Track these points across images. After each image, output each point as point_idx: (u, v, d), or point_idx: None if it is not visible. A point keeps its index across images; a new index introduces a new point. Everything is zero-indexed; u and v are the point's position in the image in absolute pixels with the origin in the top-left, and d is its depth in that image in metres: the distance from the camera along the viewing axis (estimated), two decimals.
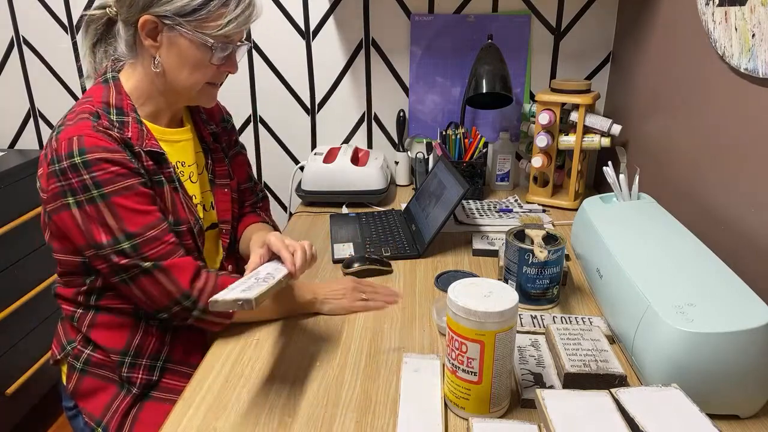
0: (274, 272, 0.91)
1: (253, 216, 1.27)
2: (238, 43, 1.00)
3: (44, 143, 1.97)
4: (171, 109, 1.04)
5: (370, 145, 1.89)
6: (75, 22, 1.83)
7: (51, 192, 0.89)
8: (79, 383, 1.01)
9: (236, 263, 1.20)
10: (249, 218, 1.26)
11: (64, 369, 1.05)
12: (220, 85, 1.05)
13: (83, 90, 1.91)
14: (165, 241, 0.92)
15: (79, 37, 1.05)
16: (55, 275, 1.02)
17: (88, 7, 1.81)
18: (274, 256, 0.97)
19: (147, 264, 0.90)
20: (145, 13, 0.91)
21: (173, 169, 1.01)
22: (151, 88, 0.99)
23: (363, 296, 1.07)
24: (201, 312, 0.95)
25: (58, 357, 1.04)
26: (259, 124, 1.90)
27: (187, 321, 0.96)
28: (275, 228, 1.28)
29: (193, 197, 1.06)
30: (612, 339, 0.97)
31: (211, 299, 0.80)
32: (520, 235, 1.10)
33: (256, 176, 1.33)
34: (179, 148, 1.06)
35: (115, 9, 0.97)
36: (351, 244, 1.36)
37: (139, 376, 1.01)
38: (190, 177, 1.07)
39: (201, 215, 1.07)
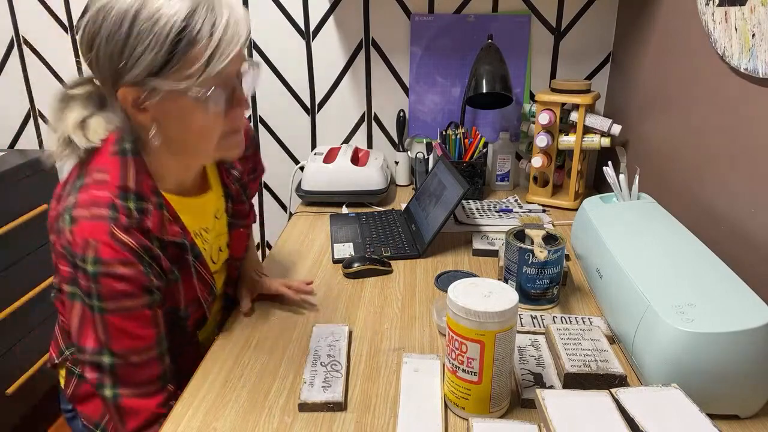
0: (337, 355, 0.93)
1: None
2: (239, 74, 0.83)
3: (44, 143, 1.97)
4: (192, 174, 0.94)
5: (370, 145, 1.89)
6: (75, 22, 1.83)
7: (61, 265, 0.83)
8: (78, 388, 1.01)
9: (233, 286, 1.16)
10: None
11: (63, 373, 1.05)
12: (243, 127, 0.89)
13: None
14: (146, 369, 0.85)
15: (57, 112, 0.91)
16: (53, 279, 1.00)
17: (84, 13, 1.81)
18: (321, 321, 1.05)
19: (109, 392, 0.84)
20: (120, 86, 0.78)
21: (192, 243, 0.93)
22: (168, 158, 0.87)
23: None
24: None
25: (56, 361, 1.04)
26: (259, 124, 1.90)
27: None
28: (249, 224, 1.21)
29: (213, 263, 1.01)
30: (612, 339, 0.97)
31: (300, 401, 0.82)
32: (520, 235, 1.10)
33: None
34: (199, 212, 0.97)
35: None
36: (351, 244, 1.36)
37: None
38: (212, 243, 1.00)
39: (213, 268, 1.01)
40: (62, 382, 1.05)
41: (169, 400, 0.88)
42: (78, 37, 0.79)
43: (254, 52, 1.81)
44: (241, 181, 1.07)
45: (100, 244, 0.78)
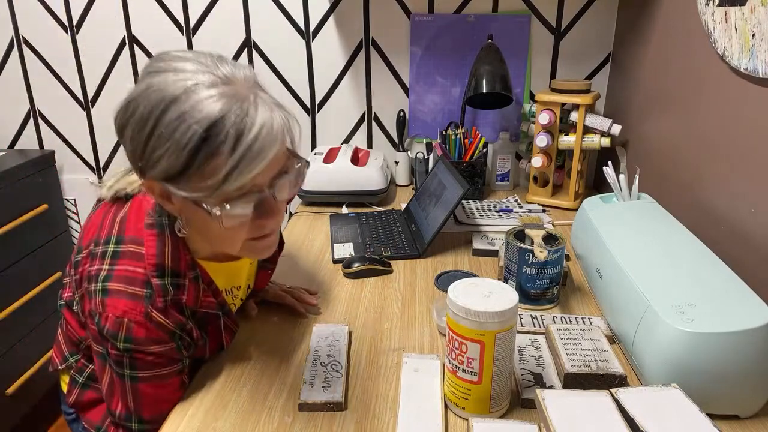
0: (337, 355, 0.93)
1: None
2: (274, 181, 0.74)
3: (44, 143, 1.97)
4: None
5: (370, 145, 1.89)
6: (75, 22, 1.83)
7: (90, 323, 0.81)
8: (81, 396, 1.00)
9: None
10: None
11: (65, 379, 1.04)
12: (276, 231, 0.82)
13: (83, 90, 1.91)
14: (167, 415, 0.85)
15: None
16: (60, 290, 0.97)
17: (88, 8, 1.81)
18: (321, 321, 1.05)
19: None
20: (145, 177, 0.74)
21: (223, 303, 0.92)
22: (200, 237, 0.84)
23: None
24: None
25: (60, 367, 1.03)
26: None
27: None
28: None
29: (235, 305, 1.00)
30: (612, 339, 0.97)
31: (300, 401, 0.82)
32: (520, 235, 1.10)
33: None
34: (235, 274, 0.96)
35: None
36: (351, 244, 1.36)
37: None
38: (241, 297, 1.01)
39: (238, 305, 1.02)
40: (64, 387, 1.04)
41: None
42: (113, 121, 0.74)
43: (254, 52, 1.81)
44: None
45: (134, 325, 0.77)
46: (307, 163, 0.79)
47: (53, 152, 1.97)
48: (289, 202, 0.82)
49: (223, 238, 0.77)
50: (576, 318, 1.04)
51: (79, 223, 2.08)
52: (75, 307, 0.86)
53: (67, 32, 1.85)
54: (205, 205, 0.71)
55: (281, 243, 1.12)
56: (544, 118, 1.55)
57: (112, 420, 0.85)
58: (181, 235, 0.81)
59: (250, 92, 0.70)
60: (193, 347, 0.87)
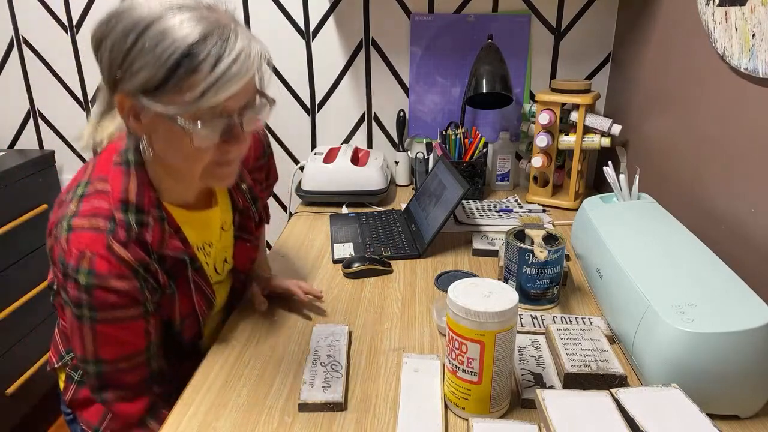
0: (337, 355, 0.93)
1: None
2: (243, 110, 0.77)
3: (44, 143, 1.97)
4: (194, 190, 0.92)
5: (370, 145, 1.89)
6: (75, 22, 1.83)
7: (56, 280, 0.84)
8: (77, 393, 1.00)
9: (239, 299, 1.15)
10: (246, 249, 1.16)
11: (62, 377, 1.04)
12: (239, 161, 0.85)
13: (83, 90, 1.91)
14: (134, 373, 0.86)
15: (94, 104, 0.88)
16: (54, 285, 0.98)
17: (88, 8, 1.81)
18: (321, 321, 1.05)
19: (100, 396, 0.86)
20: (117, 92, 0.76)
21: (192, 257, 0.91)
22: (166, 171, 0.85)
23: None
24: None
25: (56, 365, 1.03)
26: None
27: None
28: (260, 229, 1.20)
29: (212, 277, 0.99)
30: (612, 339, 0.97)
31: (300, 401, 0.82)
32: (520, 235, 1.10)
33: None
34: (204, 227, 0.95)
35: None
36: (351, 244, 1.36)
37: None
38: (215, 258, 0.99)
39: (217, 279, 1.00)
40: (61, 385, 1.04)
41: (154, 404, 0.89)
42: (90, 34, 0.78)
43: None
44: (252, 194, 1.05)
45: (96, 257, 0.78)
46: (274, 102, 0.82)
47: (53, 152, 1.97)
48: (243, 144, 0.82)
49: (186, 159, 0.79)
50: (576, 318, 1.04)
51: None
52: (51, 274, 0.87)
53: (67, 32, 1.85)
54: (179, 121, 0.73)
55: (262, 218, 1.11)
56: (544, 118, 1.55)
57: (76, 362, 0.86)
58: (144, 157, 0.83)
59: (231, 22, 0.75)
60: (159, 293, 0.86)
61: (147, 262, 0.82)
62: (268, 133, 1.89)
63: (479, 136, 1.66)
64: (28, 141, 2.00)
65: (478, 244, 1.34)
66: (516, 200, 1.64)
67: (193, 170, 0.81)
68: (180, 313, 0.92)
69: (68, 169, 2.01)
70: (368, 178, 1.62)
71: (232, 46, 0.72)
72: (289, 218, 1.70)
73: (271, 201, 1.98)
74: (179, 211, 0.90)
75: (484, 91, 1.56)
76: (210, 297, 0.97)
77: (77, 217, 0.79)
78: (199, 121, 0.74)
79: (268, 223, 1.19)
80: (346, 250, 1.33)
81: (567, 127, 1.61)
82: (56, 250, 0.80)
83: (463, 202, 1.63)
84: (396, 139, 1.87)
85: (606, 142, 1.54)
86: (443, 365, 0.89)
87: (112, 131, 0.86)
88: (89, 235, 0.78)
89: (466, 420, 0.80)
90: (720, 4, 1.07)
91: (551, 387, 0.84)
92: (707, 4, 1.12)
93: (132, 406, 0.87)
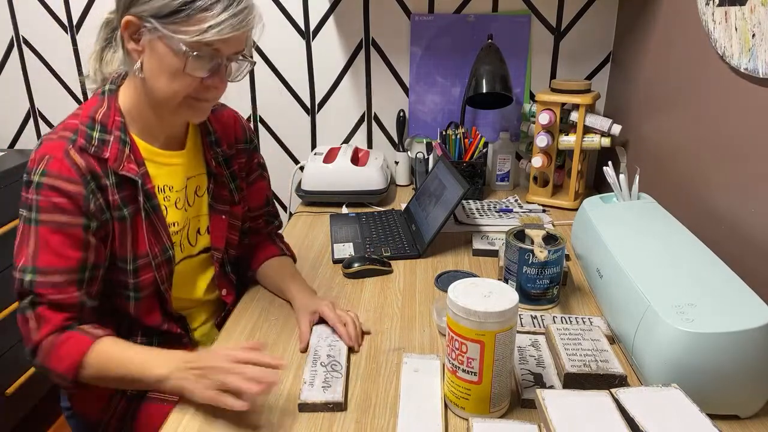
0: (337, 355, 0.93)
1: (268, 244, 1.21)
2: (230, 58, 0.90)
3: None
4: (165, 127, 0.98)
5: (370, 145, 1.89)
6: (75, 22, 1.83)
7: (21, 200, 0.90)
8: None
9: (233, 285, 1.14)
10: (266, 248, 1.20)
11: None
12: (214, 101, 0.95)
13: (83, 90, 1.92)
14: (64, 292, 0.87)
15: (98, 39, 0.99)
16: None
17: (88, 8, 1.81)
18: (320, 321, 1.02)
19: (25, 304, 0.87)
20: (127, 14, 0.86)
21: (152, 194, 0.95)
22: (142, 99, 0.94)
23: (219, 382, 0.79)
24: (42, 368, 0.88)
25: None
26: (259, 124, 1.90)
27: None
28: (291, 255, 1.22)
29: (174, 224, 1.00)
30: (612, 339, 0.97)
31: (300, 401, 0.82)
32: (520, 235, 1.10)
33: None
34: (169, 171, 1.00)
35: None
36: (351, 244, 1.36)
37: None
38: (175, 203, 1.00)
39: (177, 242, 1.01)
40: None
41: (81, 325, 0.88)
42: None
43: (254, 53, 1.81)
44: (229, 165, 1.09)
45: (52, 159, 0.86)
46: (254, 63, 0.97)
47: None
48: (221, 86, 0.93)
49: (172, 81, 0.88)
50: (576, 318, 1.04)
51: None
52: None
53: (67, 32, 1.85)
54: (181, 45, 0.85)
55: (281, 224, 1.21)
56: (544, 118, 1.55)
57: (14, 275, 0.87)
58: (140, 76, 0.90)
59: None
60: (107, 214, 0.90)
61: (99, 174, 0.89)
62: (270, 136, 1.90)
63: (479, 136, 1.66)
64: (28, 141, 2.00)
65: (478, 244, 1.34)
66: (516, 200, 1.64)
67: (175, 95, 0.90)
68: (131, 249, 0.94)
69: None
70: (368, 178, 1.62)
71: (240, 1, 0.85)
72: (289, 218, 1.70)
73: None
74: (145, 146, 0.96)
75: (484, 91, 1.56)
76: (165, 244, 0.98)
77: (49, 134, 0.90)
78: (195, 52, 0.85)
79: (295, 260, 1.23)
80: (346, 250, 1.33)
81: (567, 127, 1.61)
82: (27, 168, 0.88)
83: (463, 202, 1.63)
84: (396, 139, 1.87)
85: (606, 142, 1.54)
86: (443, 365, 0.89)
87: (116, 67, 0.96)
88: (52, 144, 0.88)
89: (466, 420, 0.80)
90: (720, 4, 1.07)
91: (551, 387, 0.84)
92: (707, 4, 1.12)
93: (53, 315, 0.87)
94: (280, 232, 1.27)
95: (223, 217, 1.08)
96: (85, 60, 1.87)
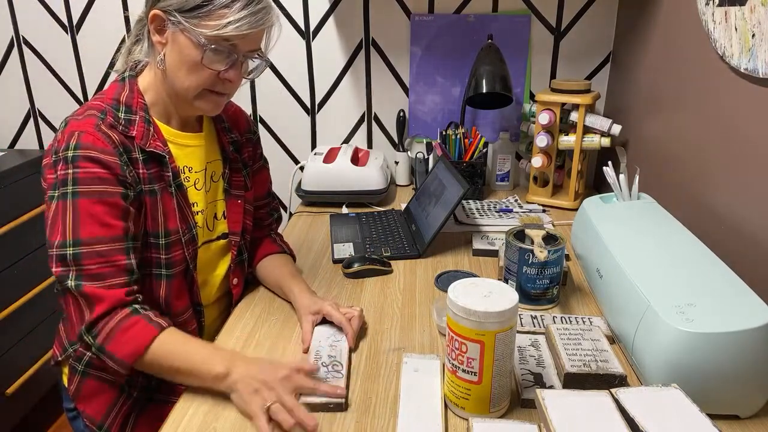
0: (338, 355, 0.93)
1: (269, 242, 1.22)
2: (246, 55, 0.96)
3: (44, 143, 1.98)
4: (180, 113, 1.02)
5: (370, 145, 1.89)
6: (75, 22, 1.83)
7: (47, 183, 0.89)
8: (81, 385, 1.01)
9: (243, 277, 1.16)
10: (266, 245, 1.21)
11: (66, 370, 1.05)
12: (228, 96, 1.00)
13: (83, 90, 1.92)
14: (110, 260, 0.87)
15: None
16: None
17: (88, 8, 1.81)
18: (322, 321, 1.02)
19: (71, 282, 0.85)
20: (154, 8, 0.92)
21: (176, 172, 0.99)
22: (161, 88, 0.98)
23: (271, 403, 0.79)
24: (99, 350, 0.87)
25: (60, 358, 1.04)
26: (259, 124, 1.90)
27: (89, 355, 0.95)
28: (291, 254, 1.23)
29: (195, 204, 1.03)
30: (612, 339, 0.97)
31: (300, 401, 0.82)
32: (520, 235, 1.10)
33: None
34: (189, 152, 1.03)
35: None
36: (351, 244, 1.36)
37: (139, 379, 1.01)
38: (195, 184, 1.04)
39: (200, 223, 1.04)
40: (65, 379, 1.05)
41: (137, 296, 0.90)
42: None
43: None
44: (240, 153, 1.14)
45: (84, 133, 0.88)
46: (269, 62, 1.02)
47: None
48: (236, 82, 0.98)
49: (190, 73, 0.93)
50: (576, 318, 1.04)
51: None
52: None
53: (67, 32, 1.85)
54: (201, 38, 0.90)
55: (281, 218, 1.24)
56: (544, 118, 1.55)
57: (50, 255, 0.87)
58: (161, 67, 0.95)
59: None
60: (140, 185, 0.93)
61: (129, 148, 0.92)
62: (270, 136, 1.90)
63: (479, 136, 1.66)
64: (28, 141, 2.00)
65: (478, 244, 1.34)
66: (516, 200, 1.64)
67: (194, 87, 0.95)
68: (163, 225, 0.96)
69: None
70: (368, 178, 1.62)
71: (259, 1, 0.92)
72: (289, 218, 1.70)
73: None
74: (166, 128, 1.00)
75: (484, 91, 1.56)
76: (190, 222, 1.01)
77: (74, 115, 0.92)
78: (213, 45, 0.91)
79: (294, 259, 1.24)
80: (346, 250, 1.33)
81: (567, 127, 1.61)
82: (52, 150, 0.89)
83: (463, 202, 1.63)
84: (396, 139, 1.87)
85: (606, 142, 1.54)
86: (443, 365, 0.89)
87: (139, 58, 1.01)
88: (81, 122, 0.90)
89: (466, 420, 0.80)
90: (720, 4, 1.07)
91: (551, 387, 0.84)
92: (707, 4, 1.12)
93: (108, 291, 0.87)
94: (280, 232, 1.27)
95: (239, 201, 1.12)
96: (86, 60, 1.88)
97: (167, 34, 0.93)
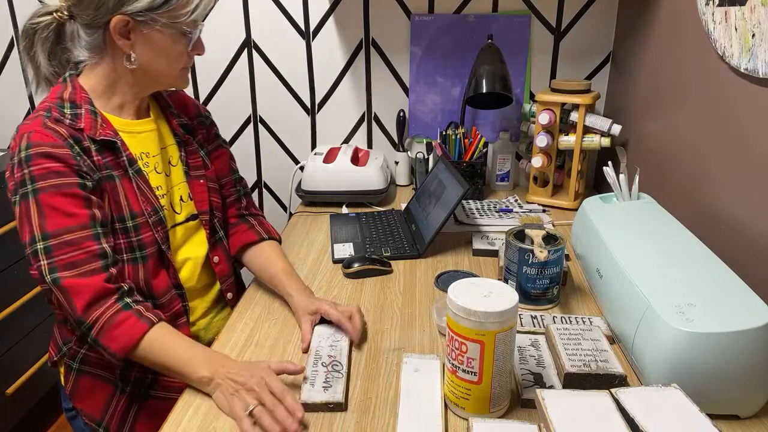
0: (338, 355, 0.93)
1: (245, 227, 1.20)
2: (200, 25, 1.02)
3: None
4: (137, 101, 1.04)
5: (370, 145, 1.89)
6: None
7: (9, 191, 0.91)
8: (77, 383, 1.01)
9: (226, 255, 1.16)
10: (243, 232, 1.19)
11: (62, 370, 1.05)
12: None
13: None
14: (81, 247, 0.88)
15: (22, 47, 1.00)
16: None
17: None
18: (320, 321, 1.02)
19: (49, 277, 0.87)
20: (115, 14, 0.92)
21: (131, 157, 0.99)
22: (119, 82, 1.00)
23: (252, 406, 0.80)
24: (94, 341, 0.89)
25: (55, 358, 1.04)
26: (259, 124, 1.90)
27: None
28: (273, 238, 1.21)
29: (158, 188, 1.04)
30: (612, 339, 0.97)
31: (300, 401, 0.82)
32: (520, 235, 1.10)
33: (240, 173, 1.28)
34: (142, 138, 1.05)
35: (67, 13, 0.96)
36: (351, 244, 1.36)
37: (133, 374, 1.01)
38: (155, 168, 1.05)
39: (165, 206, 1.04)
40: (62, 379, 1.05)
41: (121, 284, 0.91)
42: None
43: (254, 52, 1.81)
44: (189, 127, 1.16)
45: (33, 132, 0.90)
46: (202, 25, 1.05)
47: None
48: (201, 54, 1.05)
49: (171, 62, 1.00)
50: (576, 318, 1.04)
51: None
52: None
53: None
54: (182, 28, 0.96)
55: (249, 195, 1.27)
56: (544, 118, 1.55)
57: (27, 255, 0.89)
58: (131, 66, 0.98)
59: None
60: (97, 172, 0.94)
61: (79, 138, 0.93)
62: (270, 136, 1.90)
63: (479, 136, 1.66)
64: None
65: (478, 244, 1.34)
66: (516, 200, 1.64)
67: (175, 71, 1.01)
68: (128, 208, 0.97)
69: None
70: (368, 178, 1.62)
71: None
72: (289, 218, 1.70)
73: (271, 201, 1.98)
74: (116, 119, 1.01)
75: (484, 91, 1.56)
76: (155, 205, 1.01)
77: (23, 122, 0.94)
78: (191, 30, 0.98)
79: (280, 242, 1.24)
80: (346, 250, 1.33)
81: (567, 127, 1.61)
82: (9, 158, 0.91)
83: (463, 202, 1.63)
84: (396, 139, 1.87)
85: (606, 142, 1.54)
86: (443, 365, 0.89)
87: (80, 59, 1.00)
88: (28, 124, 0.92)
89: (466, 420, 0.80)
90: (720, 4, 1.07)
91: (551, 387, 0.84)
92: (707, 4, 1.12)
93: (85, 279, 0.88)
94: (279, 232, 1.27)
95: (201, 181, 1.13)
96: None
97: (134, 36, 0.95)
